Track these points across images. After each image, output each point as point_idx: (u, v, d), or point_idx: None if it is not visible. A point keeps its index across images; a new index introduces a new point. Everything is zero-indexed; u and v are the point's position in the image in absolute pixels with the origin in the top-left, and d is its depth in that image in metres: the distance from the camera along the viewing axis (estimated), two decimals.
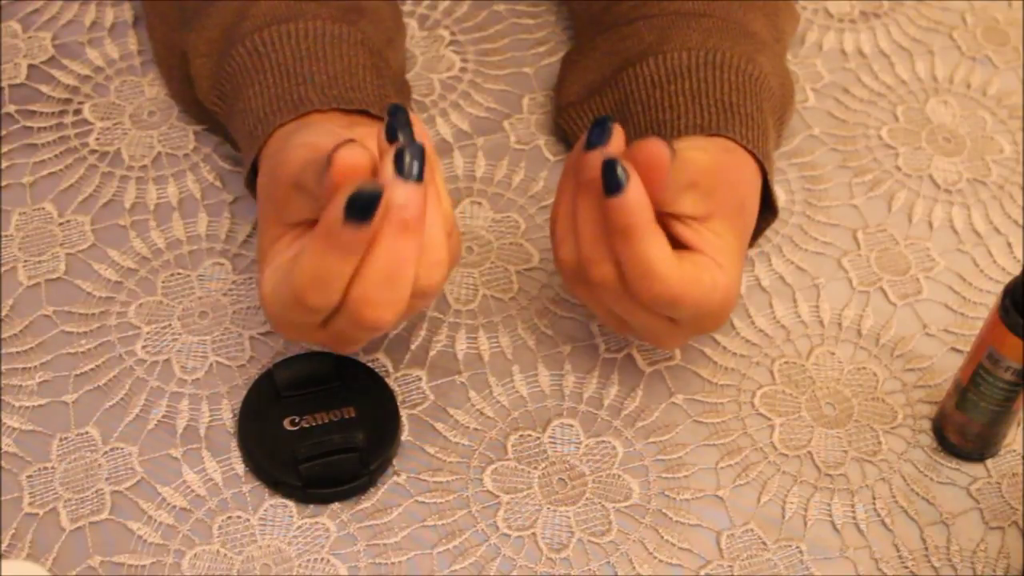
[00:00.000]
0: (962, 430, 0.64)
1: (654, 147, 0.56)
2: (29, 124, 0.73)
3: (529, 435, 0.64)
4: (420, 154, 0.54)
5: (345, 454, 0.62)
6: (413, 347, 0.67)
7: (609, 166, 0.55)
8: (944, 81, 0.80)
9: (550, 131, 0.75)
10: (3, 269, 0.68)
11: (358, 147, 0.54)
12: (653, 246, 0.57)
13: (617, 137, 0.57)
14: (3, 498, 0.61)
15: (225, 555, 0.60)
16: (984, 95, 0.79)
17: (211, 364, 0.66)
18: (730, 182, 0.61)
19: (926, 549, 0.63)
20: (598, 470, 0.64)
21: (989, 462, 0.65)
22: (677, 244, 0.59)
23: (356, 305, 0.55)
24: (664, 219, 0.59)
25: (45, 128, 0.73)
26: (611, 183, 0.55)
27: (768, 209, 0.67)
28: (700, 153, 0.60)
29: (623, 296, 0.59)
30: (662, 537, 0.62)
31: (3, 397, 0.64)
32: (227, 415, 0.64)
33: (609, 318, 0.62)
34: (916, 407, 0.67)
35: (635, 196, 0.56)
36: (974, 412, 0.63)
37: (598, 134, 0.56)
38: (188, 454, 0.63)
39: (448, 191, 0.72)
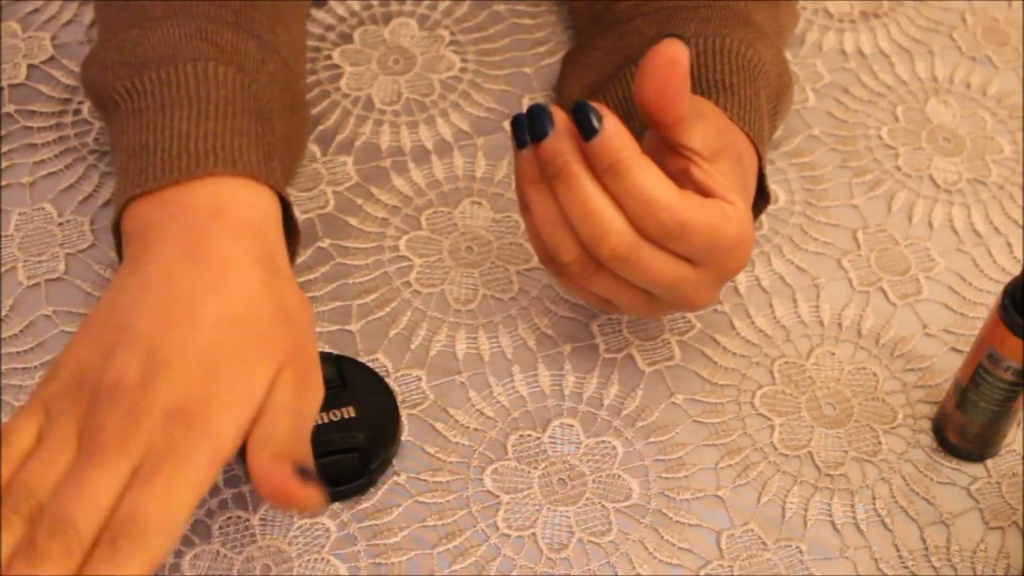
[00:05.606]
0: (962, 430, 0.64)
1: (670, 48, 0.54)
2: (29, 124, 0.73)
3: (529, 435, 0.64)
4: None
5: (345, 454, 0.62)
6: (413, 347, 0.67)
7: (580, 110, 0.55)
8: (944, 81, 0.80)
9: None
10: (3, 269, 0.68)
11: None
12: (646, 174, 0.55)
13: (557, 115, 0.56)
14: None
15: (225, 555, 0.60)
16: (984, 95, 0.79)
17: None
18: (731, 129, 0.61)
19: (926, 549, 0.63)
20: (598, 470, 0.64)
21: (989, 462, 0.65)
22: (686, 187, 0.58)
23: None
24: (673, 161, 0.58)
25: (45, 128, 0.73)
26: (586, 128, 0.55)
27: (760, 196, 0.67)
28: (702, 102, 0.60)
29: (602, 272, 0.58)
30: (662, 537, 0.62)
31: (3, 397, 0.64)
32: None
33: (633, 302, 0.60)
34: (916, 407, 0.67)
35: (613, 131, 0.55)
36: (974, 412, 0.63)
37: (539, 125, 0.55)
38: None
39: (448, 190, 0.72)
